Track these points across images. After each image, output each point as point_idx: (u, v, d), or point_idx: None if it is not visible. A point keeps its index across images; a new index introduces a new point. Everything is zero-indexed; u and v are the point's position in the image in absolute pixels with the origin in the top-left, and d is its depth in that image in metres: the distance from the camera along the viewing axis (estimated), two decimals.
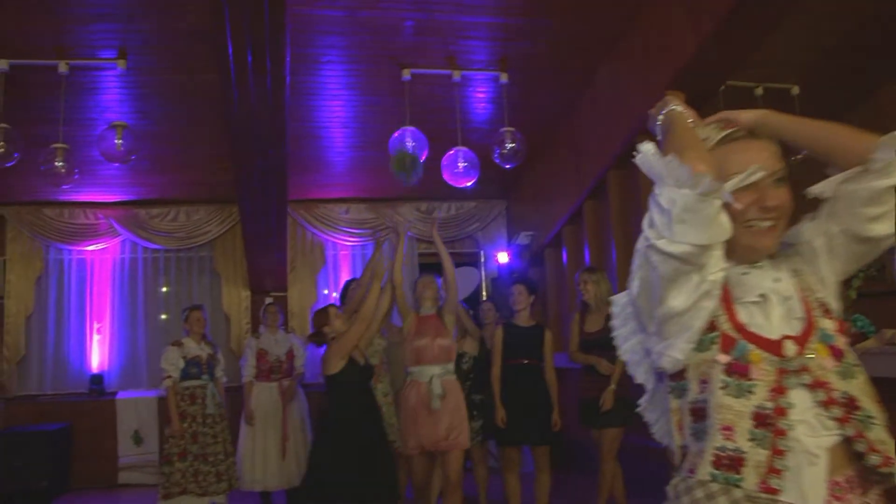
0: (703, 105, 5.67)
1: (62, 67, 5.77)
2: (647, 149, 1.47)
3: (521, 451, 5.41)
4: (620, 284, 6.49)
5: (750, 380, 1.43)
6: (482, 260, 9.92)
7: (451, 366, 4.95)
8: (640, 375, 1.68)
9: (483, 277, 9.81)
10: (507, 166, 6.64)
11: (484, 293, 9.71)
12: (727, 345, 1.46)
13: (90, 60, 5.86)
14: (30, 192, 8.52)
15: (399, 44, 6.04)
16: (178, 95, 6.54)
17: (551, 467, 5.51)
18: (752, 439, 1.40)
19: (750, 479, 1.38)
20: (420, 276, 5.61)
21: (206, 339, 6.22)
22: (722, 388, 1.44)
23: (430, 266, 7.68)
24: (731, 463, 1.40)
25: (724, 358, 1.44)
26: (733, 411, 1.42)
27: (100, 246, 9.15)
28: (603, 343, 5.29)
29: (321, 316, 4.86)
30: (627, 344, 1.71)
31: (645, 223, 1.45)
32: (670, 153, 1.41)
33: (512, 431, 5.31)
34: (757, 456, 1.39)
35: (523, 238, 9.11)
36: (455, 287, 5.07)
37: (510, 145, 6.48)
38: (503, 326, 5.50)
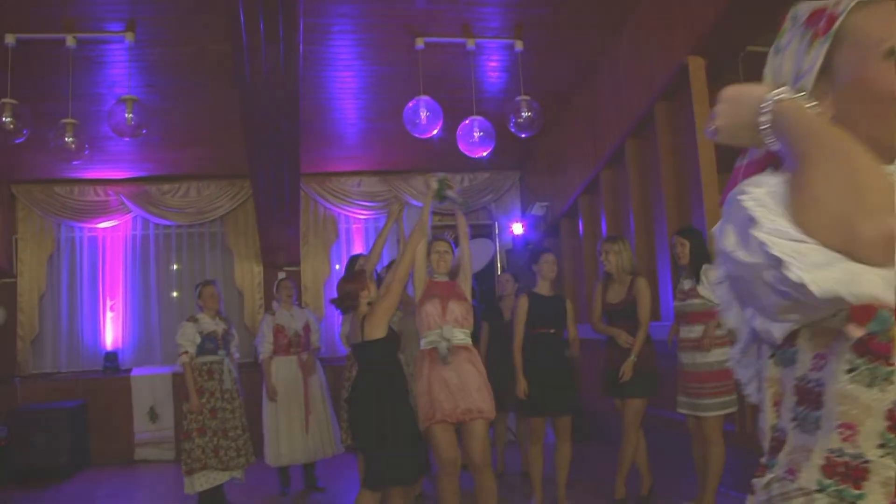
0: (723, 72, 5.67)
1: (69, 41, 5.74)
2: (758, 196, 1.04)
3: (545, 421, 5.37)
4: (639, 254, 6.57)
5: (891, 364, 1.04)
6: (496, 231, 9.88)
7: (466, 332, 4.70)
8: (731, 320, 1.25)
9: (497, 249, 9.78)
10: (523, 135, 6.63)
11: (499, 265, 9.69)
12: (863, 314, 1.03)
13: (98, 34, 5.81)
14: (40, 169, 8.54)
15: (412, 12, 5.98)
16: (189, 68, 6.50)
17: (572, 438, 5.45)
18: (882, 445, 1.05)
19: (874, 497, 1.04)
20: (434, 239, 5.35)
21: (220, 314, 6.18)
22: (848, 371, 1.06)
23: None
24: (849, 473, 1.06)
25: (856, 330, 1.03)
26: (860, 405, 1.05)
27: (111, 223, 9.21)
28: (625, 314, 5.31)
29: (357, 280, 4.69)
30: (719, 285, 1.24)
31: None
32: (817, 200, 0.96)
33: (537, 402, 5.23)
34: (887, 470, 1.04)
35: (538, 209, 9.08)
36: (469, 256, 4.96)
37: (526, 114, 6.46)
38: (527, 295, 5.40)
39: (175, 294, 9.38)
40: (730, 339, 4.52)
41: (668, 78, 6.01)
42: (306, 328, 6.67)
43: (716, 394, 4.82)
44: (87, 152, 6.20)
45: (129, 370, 8.82)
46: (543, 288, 5.44)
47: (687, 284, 5.04)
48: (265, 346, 6.52)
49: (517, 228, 9.44)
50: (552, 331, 5.36)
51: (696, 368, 4.90)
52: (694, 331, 4.95)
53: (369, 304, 4.59)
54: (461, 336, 4.64)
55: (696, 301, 4.95)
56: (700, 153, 5.67)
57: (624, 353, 5.23)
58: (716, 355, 4.82)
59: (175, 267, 9.45)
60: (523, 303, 5.38)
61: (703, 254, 4.99)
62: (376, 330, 4.42)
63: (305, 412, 6.45)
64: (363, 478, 4.50)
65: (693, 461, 5.13)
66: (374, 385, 4.42)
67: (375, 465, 4.31)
